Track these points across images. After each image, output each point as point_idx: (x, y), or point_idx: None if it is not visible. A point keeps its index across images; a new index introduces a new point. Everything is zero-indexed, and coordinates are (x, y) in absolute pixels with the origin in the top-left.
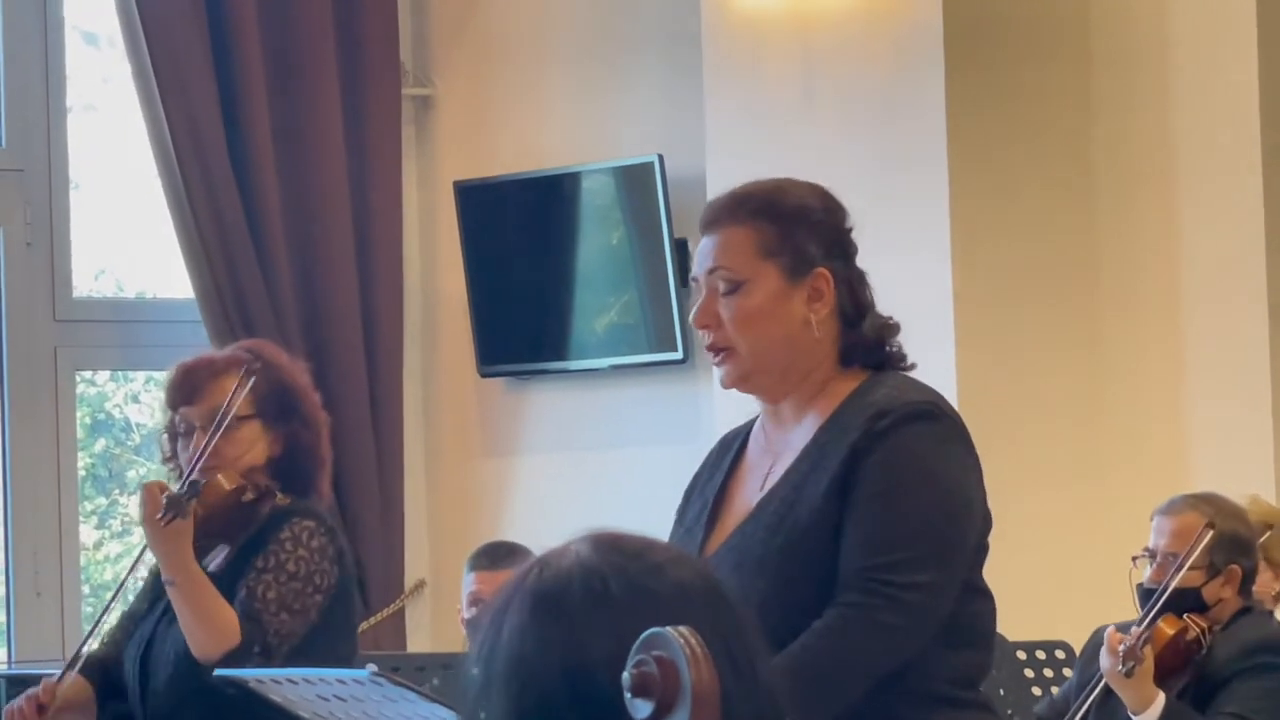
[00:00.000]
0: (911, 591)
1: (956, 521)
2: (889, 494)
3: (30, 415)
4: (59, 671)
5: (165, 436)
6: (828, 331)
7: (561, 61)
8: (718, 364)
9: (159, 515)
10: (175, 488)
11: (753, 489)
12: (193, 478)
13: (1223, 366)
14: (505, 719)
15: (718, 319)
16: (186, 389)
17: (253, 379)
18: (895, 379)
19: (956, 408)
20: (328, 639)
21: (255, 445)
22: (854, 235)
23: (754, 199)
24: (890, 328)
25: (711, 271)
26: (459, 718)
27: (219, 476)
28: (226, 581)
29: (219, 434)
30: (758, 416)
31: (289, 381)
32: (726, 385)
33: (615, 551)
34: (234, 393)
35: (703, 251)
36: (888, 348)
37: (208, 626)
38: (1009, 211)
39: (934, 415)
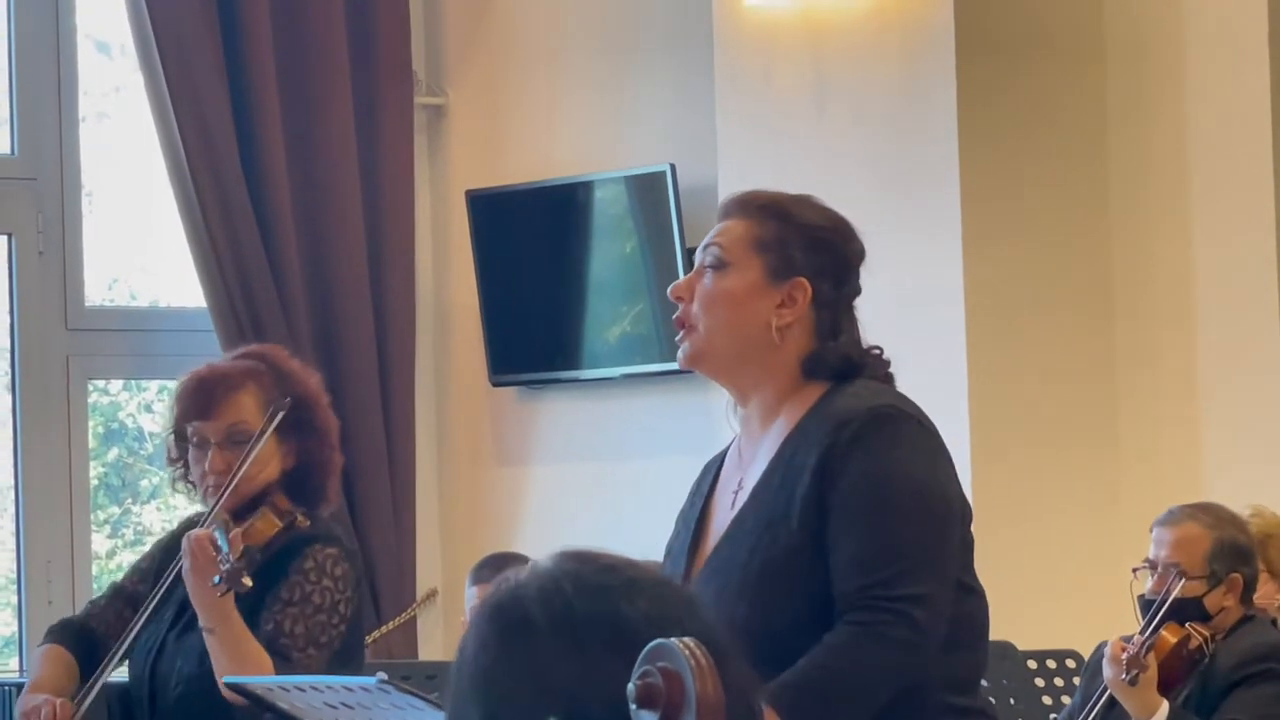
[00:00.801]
0: (915, 604)
1: (940, 524)
2: (871, 509)
3: (43, 424)
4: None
5: (173, 439)
6: (796, 343)
7: (573, 70)
8: (678, 341)
9: (214, 584)
10: (194, 495)
11: (724, 509)
12: (245, 544)
13: (1236, 378)
14: None
15: (691, 294)
16: (201, 403)
17: (279, 416)
18: (854, 386)
19: (969, 428)
20: (343, 662)
21: (270, 462)
22: (861, 274)
23: (766, 198)
24: (871, 358)
25: (706, 247)
26: None
27: (259, 525)
28: (239, 598)
29: (241, 468)
30: (735, 438)
31: (301, 392)
32: (683, 364)
33: (579, 567)
34: (257, 436)
35: (709, 233)
36: (865, 370)
37: (243, 670)
38: (1022, 219)
39: (896, 418)
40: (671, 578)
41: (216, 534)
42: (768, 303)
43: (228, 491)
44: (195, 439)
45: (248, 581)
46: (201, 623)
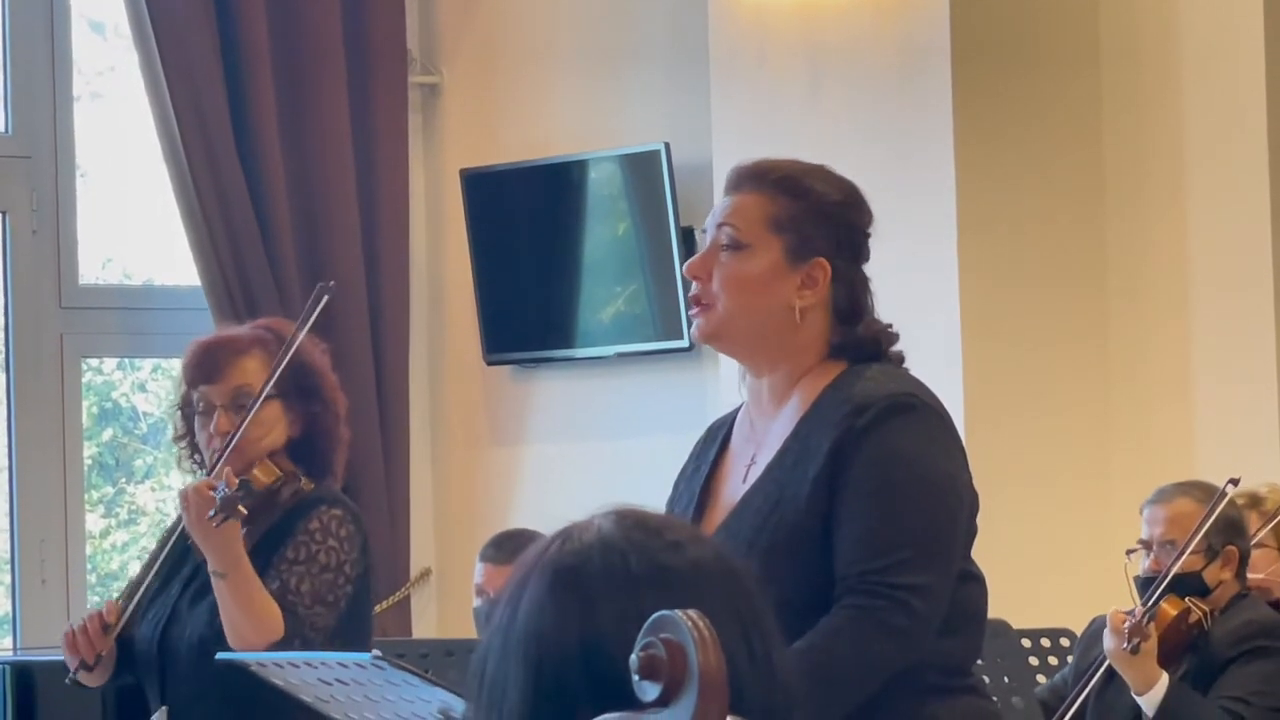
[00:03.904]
0: (914, 593)
1: (948, 515)
2: (880, 494)
3: (36, 403)
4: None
5: (179, 414)
6: (815, 323)
7: (568, 49)
8: (694, 315)
9: (210, 515)
10: (202, 475)
11: (736, 481)
12: (239, 475)
13: (1229, 357)
14: (521, 689)
15: (709, 274)
16: (208, 366)
17: (254, 412)
18: (872, 370)
19: (962, 399)
20: (354, 627)
21: (276, 426)
22: (870, 241)
23: (780, 172)
24: (889, 335)
25: (720, 226)
26: (472, 689)
27: (256, 471)
28: (251, 559)
29: (248, 420)
30: (742, 405)
31: (308, 362)
32: (697, 338)
33: (637, 528)
34: (239, 422)
35: (719, 207)
36: (884, 352)
37: (254, 620)
38: (1016, 202)
39: (913, 406)
40: (722, 544)
41: (217, 481)
42: (789, 285)
43: (230, 448)
44: (201, 405)
45: (243, 510)
46: (211, 567)
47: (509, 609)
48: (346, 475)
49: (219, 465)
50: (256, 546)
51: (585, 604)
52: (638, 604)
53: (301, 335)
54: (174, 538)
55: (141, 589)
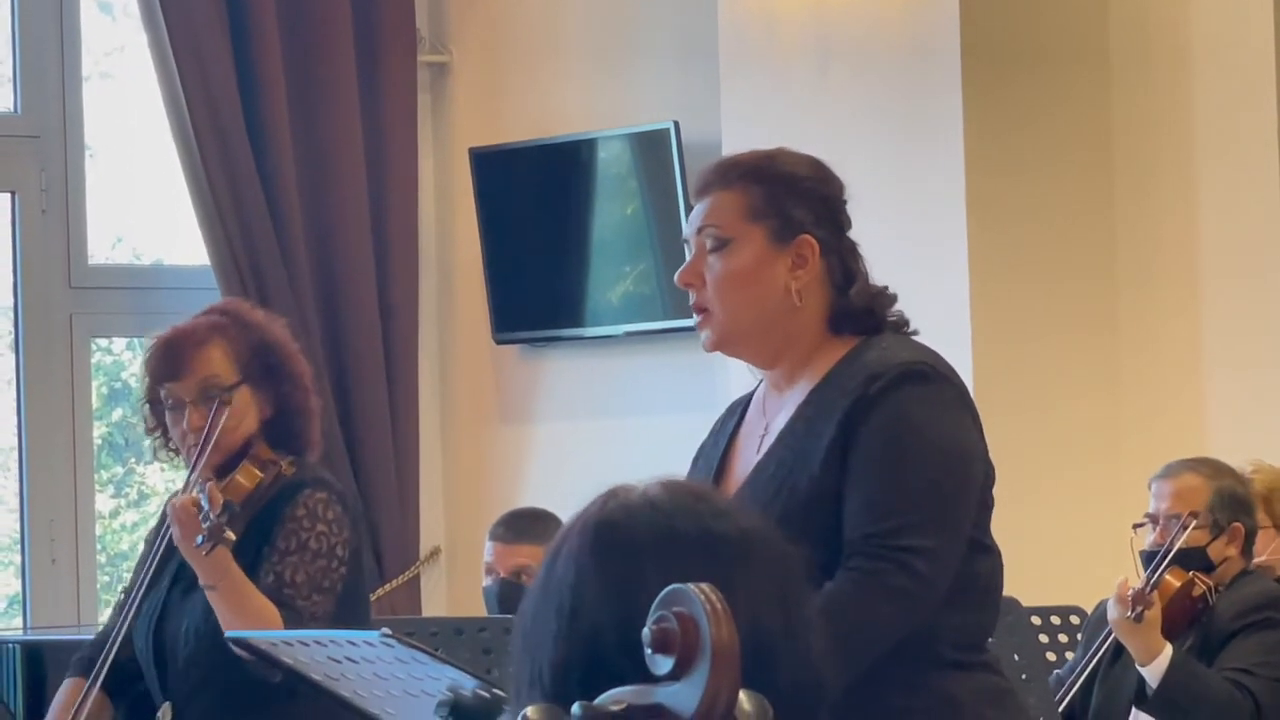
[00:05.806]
0: (918, 556)
1: (957, 483)
2: (889, 459)
3: (46, 383)
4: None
5: (148, 408)
6: (814, 299)
7: (577, 28)
8: (698, 327)
9: (198, 544)
10: (180, 463)
11: (749, 454)
12: (225, 499)
13: (1239, 343)
14: (554, 641)
15: (701, 278)
16: (171, 364)
17: (226, 410)
18: (887, 340)
19: (973, 383)
20: (349, 606)
21: (248, 413)
22: (849, 208)
23: (743, 164)
24: (885, 297)
25: (700, 230)
26: (514, 643)
27: (239, 477)
28: (235, 552)
29: (209, 445)
30: (760, 383)
31: (269, 339)
32: (708, 349)
33: (685, 494)
34: (211, 421)
35: (693, 215)
36: (885, 316)
37: (250, 624)
38: (1026, 186)
39: (927, 375)
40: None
41: (199, 495)
42: (780, 269)
43: (207, 451)
44: (170, 401)
45: (230, 535)
46: (202, 581)
47: (548, 565)
48: (354, 456)
49: (198, 468)
50: (244, 534)
51: (627, 562)
52: (684, 566)
53: (207, 452)
54: (160, 543)
55: (132, 600)
